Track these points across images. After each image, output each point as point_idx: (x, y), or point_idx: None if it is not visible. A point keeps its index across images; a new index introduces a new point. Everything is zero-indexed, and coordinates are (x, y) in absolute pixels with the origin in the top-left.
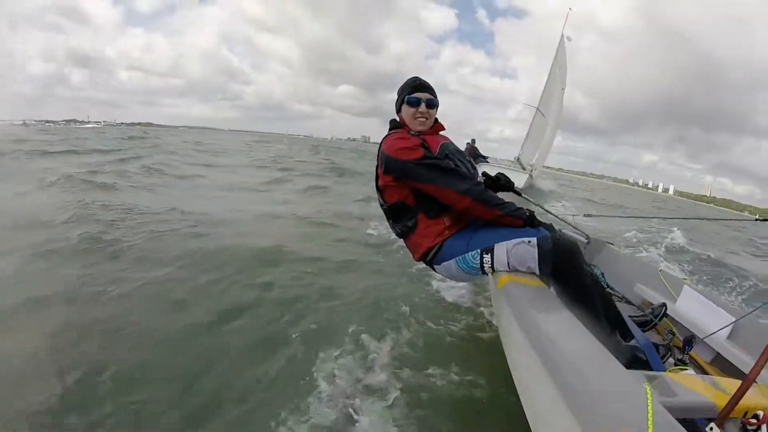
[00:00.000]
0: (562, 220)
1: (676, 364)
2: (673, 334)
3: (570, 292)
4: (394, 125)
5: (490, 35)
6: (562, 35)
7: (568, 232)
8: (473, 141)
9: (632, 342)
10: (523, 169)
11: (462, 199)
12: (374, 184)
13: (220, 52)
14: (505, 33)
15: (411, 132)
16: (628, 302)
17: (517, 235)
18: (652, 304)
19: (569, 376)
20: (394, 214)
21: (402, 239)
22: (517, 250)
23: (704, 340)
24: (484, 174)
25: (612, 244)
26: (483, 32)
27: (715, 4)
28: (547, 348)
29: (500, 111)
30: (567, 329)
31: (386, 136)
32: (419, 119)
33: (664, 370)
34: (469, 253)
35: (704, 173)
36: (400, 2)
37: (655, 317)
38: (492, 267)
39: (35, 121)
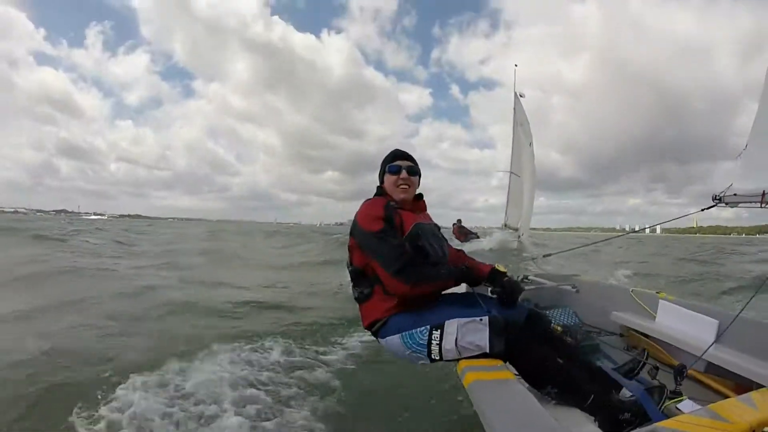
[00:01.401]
0: (547, 279)
1: (670, 398)
2: (657, 369)
3: (534, 372)
4: (377, 193)
5: (465, 109)
6: (515, 93)
7: (558, 286)
8: (459, 221)
9: (626, 394)
10: (518, 236)
11: (397, 285)
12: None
13: (207, 144)
14: (479, 105)
15: (391, 202)
16: (609, 333)
17: (468, 314)
18: (632, 330)
19: None
20: (355, 277)
21: (357, 304)
22: (467, 329)
23: (690, 352)
24: (493, 271)
25: (579, 275)
26: (458, 107)
27: (666, 42)
28: None
29: (483, 180)
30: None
31: (367, 200)
32: (401, 186)
33: (663, 416)
34: (417, 329)
35: (688, 206)
36: (379, 87)
37: (639, 360)
38: (440, 346)
39: (26, 209)
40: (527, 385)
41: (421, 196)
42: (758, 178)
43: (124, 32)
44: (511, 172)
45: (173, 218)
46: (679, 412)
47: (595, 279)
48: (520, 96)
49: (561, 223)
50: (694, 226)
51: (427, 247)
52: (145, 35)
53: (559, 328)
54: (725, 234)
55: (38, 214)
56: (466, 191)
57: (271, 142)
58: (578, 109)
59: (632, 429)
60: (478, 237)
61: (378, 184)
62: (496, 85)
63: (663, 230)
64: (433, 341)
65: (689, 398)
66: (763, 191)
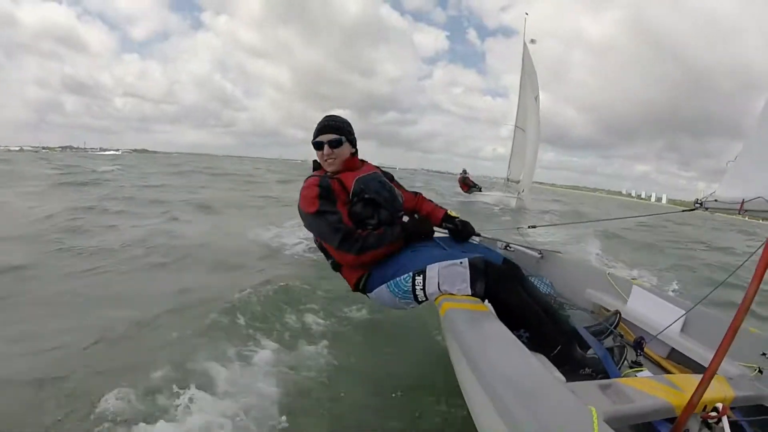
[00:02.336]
0: (513, 243)
1: (630, 367)
2: (622, 336)
3: (510, 313)
4: (316, 166)
5: (480, 55)
6: (524, 42)
7: (521, 248)
8: (464, 171)
9: (589, 352)
10: (515, 188)
11: (344, 256)
12: None
13: (214, 78)
14: (496, 52)
15: (327, 174)
16: (581, 309)
17: (449, 256)
18: (603, 308)
19: (514, 405)
20: (323, 250)
21: (336, 271)
22: (448, 272)
23: (658, 337)
24: (446, 216)
25: (560, 252)
26: (474, 52)
27: (700, 15)
28: (489, 377)
29: (492, 130)
30: (509, 354)
31: (306, 178)
32: (328, 161)
33: (620, 376)
34: (401, 276)
35: (697, 180)
36: (394, 26)
37: (609, 325)
38: (424, 290)
39: (31, 146)
40: None
41: (354, 154)
42: (741, 188)
43: None
44: (516, 126)
45: (178, 153)
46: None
47: (573, 256)
48: (531, 42)
49: (567, 180)
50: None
51: (375, 198)
52: None
53: None
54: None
55: (44, 150)
56: (475, 139)
57: (280, 78)
58: (599, 69)
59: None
60: (480, 190)
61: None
62: (514, 34)
63: (669, 200)
64: (416, 286)
65: (648, 371)
66: (743, 200)
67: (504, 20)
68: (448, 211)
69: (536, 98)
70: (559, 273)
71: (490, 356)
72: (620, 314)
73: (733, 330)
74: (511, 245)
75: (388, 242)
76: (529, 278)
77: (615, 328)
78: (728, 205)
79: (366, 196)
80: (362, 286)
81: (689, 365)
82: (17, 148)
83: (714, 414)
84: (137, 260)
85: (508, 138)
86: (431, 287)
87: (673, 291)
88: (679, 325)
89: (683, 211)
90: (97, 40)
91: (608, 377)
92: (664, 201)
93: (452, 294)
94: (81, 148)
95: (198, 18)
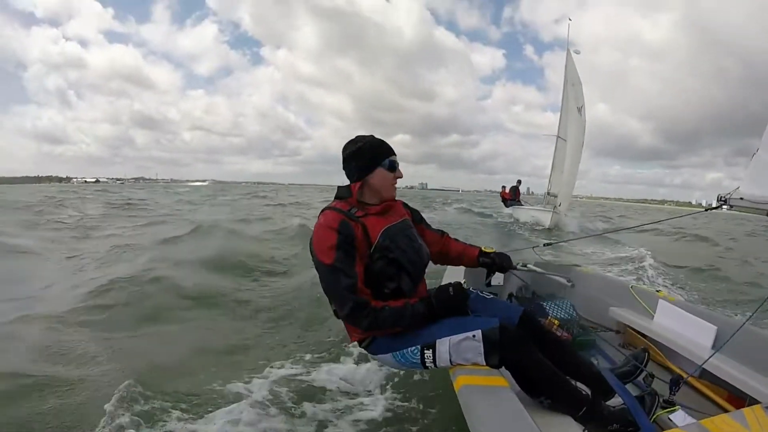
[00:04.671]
0: (542, 269)
1: (663, 407)
2: (653, 377)
3: (529, 380)
4: (340, 195)
5: (539, 70)
6: (568, 50)
7: (552, 276)
8: (519, 182)
9: (617, 401)
10: (554, 206)
11: (349, 324)
12: None
13: (277, 110)
14: (554, 66)
15: (354, 209)
16: (606, 329)
17: (460, 328)
18: (629, 328)
19: None
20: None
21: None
22: (460, 346)
23: (689, 356)
24: (482, 253)
25: (579, 266)
26: (532, 68)
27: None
28: None
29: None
30: None
31: (326, 210)
32: (394, 186)
33: (652, 428)
34: (408, 348)
35: None
36: (450, 47)
37: (639, 364)
38: (434, 363)
39: (107, 178)
40: (519, 389)
41: None
42: (766, 185)
43: (189, 4)
44: (558, 136)
45: (246, 182)
46: (671, 423)
47: (595, 271)
48: (575, 53)
49: (635, 194)
50: None
51: (400, 258)
52: (211, 6)
53: (555, 322)
54: None
55: (118, 182)
56: (538, 156)
57: (341, 106)
58: (658, 73)
59: None
60: (521, 204)
61: (349, 182)
62: (571, 45)
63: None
64: (426, 360)
65: (682, 408)
66: None
67: (559, 33)
68: (483, 248)
69: (580, 109)
70: (580, 291)
71: None
72: (649, 353)
73: None
74: (526, 265)
75: (406, 324)
76: (549, 302)
77: (645, 366)
78: (755, 204)
79: (390, 255)
80: (365, 346)
81: (724, 385)
82: (93, 180)
83: None
84: None
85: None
86: (442, 362)
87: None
88: (710, 341)
89: (706, 210)
90: (163, 78)
91: (638, 428)
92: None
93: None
94: (152, 179)
95: (257, 53)
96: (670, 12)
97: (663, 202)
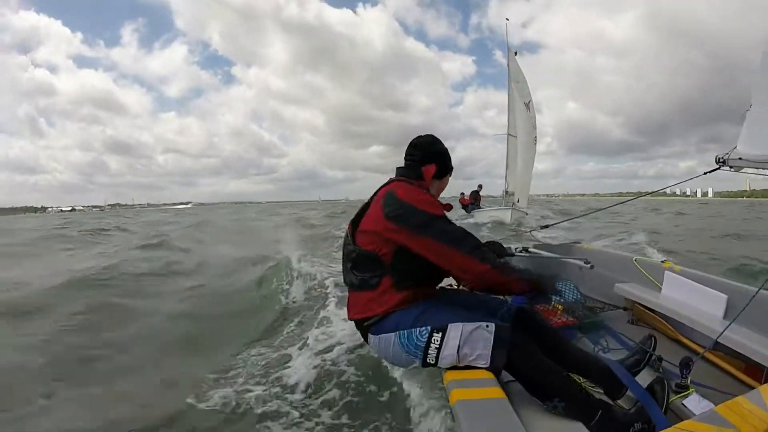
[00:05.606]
0: (555, 252)
1: (676, 392)
2: (661, 361)
3: (535, 384)
4: (411, 176)
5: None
6: (508, 49)
7: (569, 260)
8: (480, 187)
9: (629, 395)
10: (513, 203)
11: (473, 264)
12: (351, 221)
13: (251, 128)
14: (524, 69)
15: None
16: (612, 307)
17: (473, 318)
18: (637, 304)
19: None
20: (360, 262)
21: (349, 290)
22: (472, 336)
23: (699, 329)
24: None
25: (580, 243)
26: (503, 72)
27: None
28: None
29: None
30: None
31: (397, 182)
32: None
33: (665, 421)
34: (417, 329)
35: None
36: (421, 57)
37: (647, 351)
38: (438, 350)
39: (82, 206)
40: (517, 399)
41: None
42: (764, 142)
43: (158, 27)
44: (508, 134)
45: (223, 203)
46: (685, 408)
47: (597, 247)
48: (514, 53)
49: (613, 188)
50: (747, 189)
51: None
52: (180, 27)
53: (559, 307)
54: None
55: (94, 209)
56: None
57: (314, 121)
58: (625, 69)
59: None
60: (480, 206)
61: (424, 167)
62: (539, 48)
63: (715, 194)
64: (432, 344)
65: (696, 388)
66: None
67: (526, 36)
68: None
69: (528, 104)
70: (584, 268)
71: None
72: (655, 339)
73: None
74: (528, 249)
75: (514, 276)
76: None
77: (653, 354)
78: (754, 163)
79: None
80: (369, 324)
81: (738, 356)
82: (69, 208)
83: None
84: None
85: (545, 153)
86: (449, 349)
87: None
88: (721, 311)
89: (705, 173)
90: (135, 101)
91: (652, 425)
92: (710, 195)
93: (461, 370)
94: (129, 205)
95: (229, 72)
96: (632, 9)
97: (638, 193)
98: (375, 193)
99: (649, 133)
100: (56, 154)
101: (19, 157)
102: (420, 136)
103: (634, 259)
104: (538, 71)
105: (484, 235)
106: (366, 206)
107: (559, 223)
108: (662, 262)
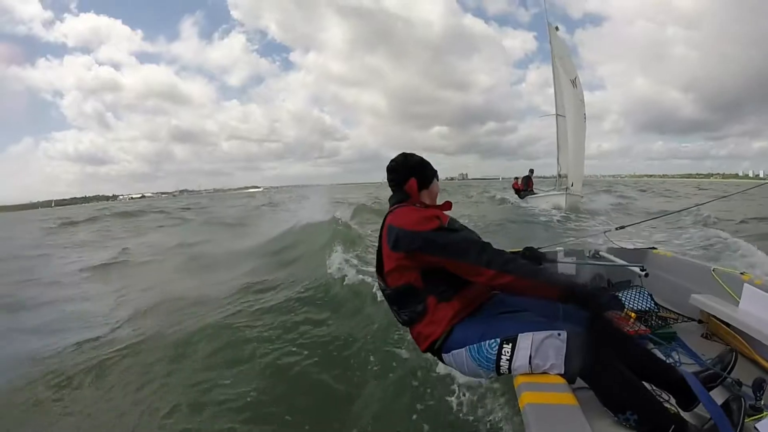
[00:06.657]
0: (611, 260)
1: (749, 415)
2: (740, 384)
3: (610, 395)
4: (401, 199)
5: (572, 49)
6: (548, 24)
7: (625, 266)
8: (531, 172)
9: (700, 410)
10: (567, 187)
11: (486, 272)
12: (375, 267)
13: (312, 112)
14: (587, 44)
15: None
16: (687, 318)
17: (544, 326)
18: (713, 317)
19: None
20: (400, 299)
21: (408, 327)
22: (543, 345)
23: None
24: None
25: (656, 248)
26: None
27: None
28: None
29: (595, 125)
30: None
31: (392, 210)
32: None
33: None
34: (486, 342)
35: None
36: (481, 34)
37: (725, 366)
38: (510, 361)
39: (152, 193)
40: (589, 408)
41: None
42: None
43: (215, 19)
44: (557, 114)
45: (287, 186)
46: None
47: (673, 254)
48: (555, 28)
49: (681, 169)
50: None
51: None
52: (237, 17)
53: (632, 315)
54: None
55: (163, 196)
56: None
57: (376, 103)
58: (696, 41)
59: None
60: (534, 193)
61: (414, 189)
62: (602, 20)
63: None
64: (503, 355)
65: None
66: None
67: (588, 8)
68: (510, 250)
69: (574, 81)
70: (659, 276)
71: None
72: (736, 354)
73: None
74: (599, 252)
75: (541, 279)
76: (625, 292)
77: (731, 371)
78: None
79: None
80: (438, 346)
81: None
82: (139, 195)
83: None
84: None
85: (611, 131)
86: (520, 359)
87: None
88: None
89: None
90: (197, 92)
91: None
92: None
93: (534, 374)
94: (196, 191)
95: (287, 59)
96: None
97: (709, 175)
98: (381, 230)
99: (721, 110)
100: (124, 145)
101: (89, 150)
102: (392, 160)
103: (712, 269)
104: (602, 45)
105: (550, 224)
106: (380, 249)
107: (637, 224)
108: (741, 273)
